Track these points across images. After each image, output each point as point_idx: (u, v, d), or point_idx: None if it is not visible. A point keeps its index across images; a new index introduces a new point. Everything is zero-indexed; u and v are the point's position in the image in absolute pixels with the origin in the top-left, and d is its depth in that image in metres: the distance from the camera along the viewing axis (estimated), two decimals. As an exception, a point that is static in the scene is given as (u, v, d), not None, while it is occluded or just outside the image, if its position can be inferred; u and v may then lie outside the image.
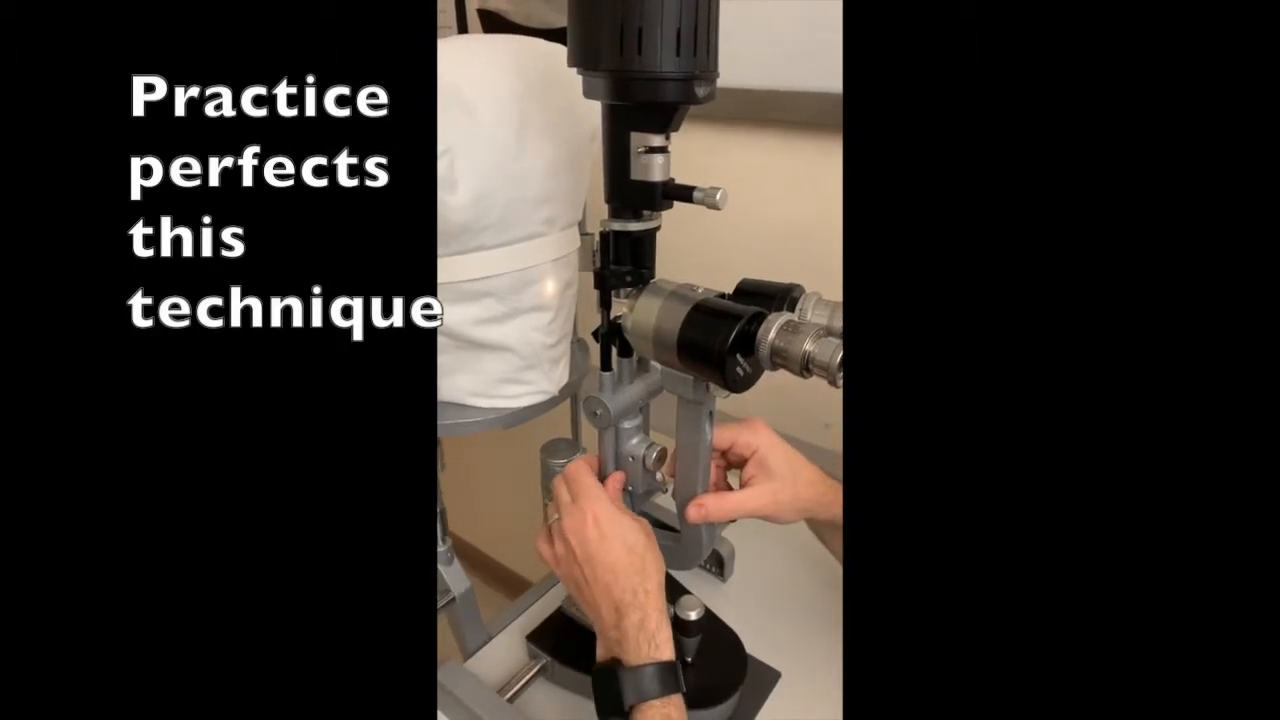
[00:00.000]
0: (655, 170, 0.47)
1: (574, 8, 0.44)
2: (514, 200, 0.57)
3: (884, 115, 0.28)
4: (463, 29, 1.20)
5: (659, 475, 0.61)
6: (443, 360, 0.61)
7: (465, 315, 0.59)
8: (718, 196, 0.46)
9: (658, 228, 0.52)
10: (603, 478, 0.59)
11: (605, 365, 0.54)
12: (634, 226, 0.50)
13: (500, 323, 0.60)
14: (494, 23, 1.11)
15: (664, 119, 0.46)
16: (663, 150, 0.47)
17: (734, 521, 0.86)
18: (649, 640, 0.49)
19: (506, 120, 0.56)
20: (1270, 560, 0.25)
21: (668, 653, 0.50)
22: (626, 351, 0.54)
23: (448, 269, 0.56)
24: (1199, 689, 0.25)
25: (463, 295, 0.58)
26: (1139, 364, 0.26)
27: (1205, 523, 0.25)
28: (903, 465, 0.28)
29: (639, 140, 0.47)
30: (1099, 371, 0.26)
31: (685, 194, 0.48)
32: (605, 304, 0.53)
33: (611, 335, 0.54)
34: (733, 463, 0.61)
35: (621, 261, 0.52)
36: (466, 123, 0.53)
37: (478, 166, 0.54)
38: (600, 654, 0.52)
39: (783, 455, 0.59)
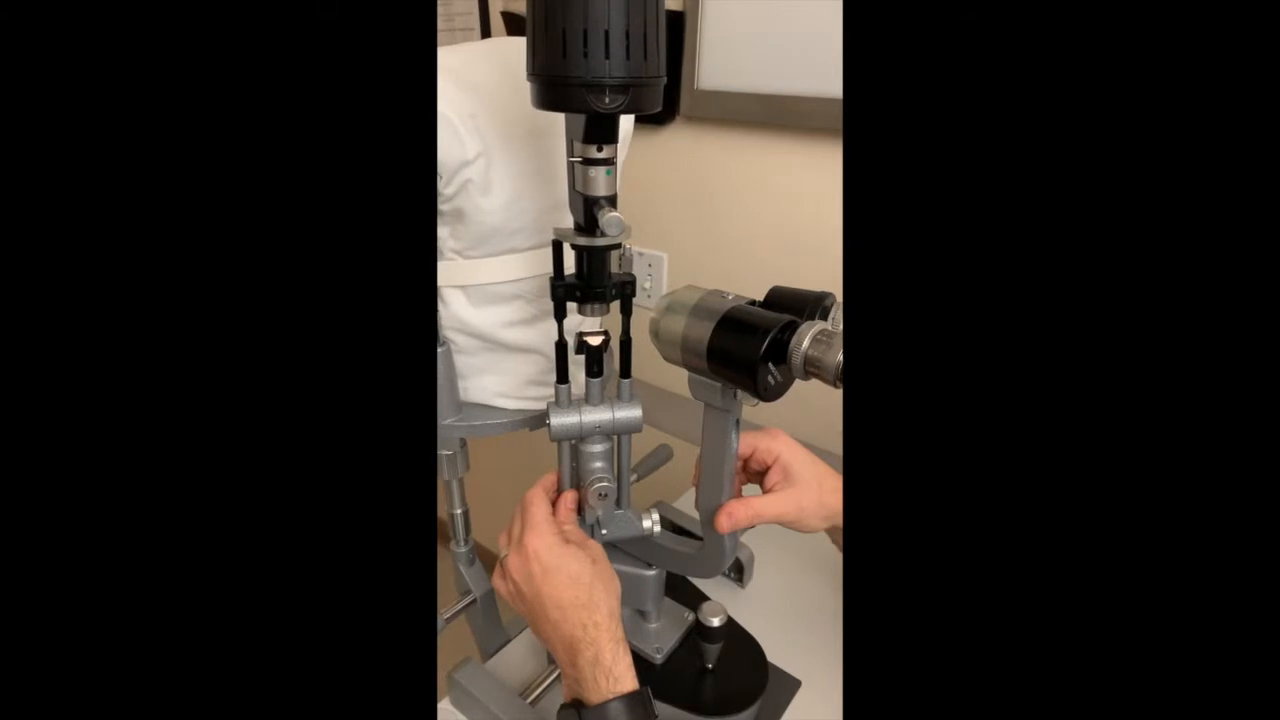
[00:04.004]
0: (592, 183, 0.45)
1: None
2: (547, 203, 0.57)
3: (884, 118, 0.28)
4: (485, 32, 1.21)
5: (644, 517, 0.60)
6: (471, 361, 0.61)
7: (495, 317, 0.59)
8: (605, 219, 0.44)
9: (613, 246, 0.49)
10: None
11: (561, 378, 0.53)
12: (577, 240, 0.48)
13: (529, 325, 0.60)
14: (518, 25, 1.11)
15: (589, 128, 0.43)
16: (599, 163, 0.45)
17: (753, 527, 0.86)
18: (606, 675, 0.47)
19: (539, 124, 0.56)
20: (1270, 560, 0.25)
21: (629, 683, 0.47)
22: (595, 372, 0.53)
23: (480, 271, 0.57)
24: (1199, 689, 0.25)
25: (493, 297, 0.58)
26: (1140, 366, 0.26)
27: (1205, 527, 0.25)
28: (903, 467, 0.28)
29: (578, 149, 0.45)
30: (1101, 373, 0.26)
31: (597, 211, 0.45)
32: (558, 316, 0.51)
33: (565, 348, 0.53)
34: (753, 471, 0.61)
35: (578, 274, 0.51)
36: (500, 127, 0.54)
37: (511, 170, 0.54)
38: (565, 694, 0.50)
39: (806, 462, 0.59)
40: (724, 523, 0.55)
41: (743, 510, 0.55)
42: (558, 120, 0.56)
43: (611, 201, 0.46)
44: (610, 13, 0.38)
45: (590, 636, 0.48)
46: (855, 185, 0.29)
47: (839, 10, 0.75)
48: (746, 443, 0.59)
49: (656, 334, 0.54)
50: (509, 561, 0.52)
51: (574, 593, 0.49)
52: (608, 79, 0.40)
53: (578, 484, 0.57)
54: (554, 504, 0.56)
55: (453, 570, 0.71)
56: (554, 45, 0.39)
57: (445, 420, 0.61)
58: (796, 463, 0.58)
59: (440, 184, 0.52)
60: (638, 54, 0.40)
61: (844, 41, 0.30)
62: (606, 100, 0.40)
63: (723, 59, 0.88)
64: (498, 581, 0.54)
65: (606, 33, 0.39)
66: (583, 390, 0.56)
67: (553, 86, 0.41)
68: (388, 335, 0.30)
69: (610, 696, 0.46)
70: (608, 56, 0.39)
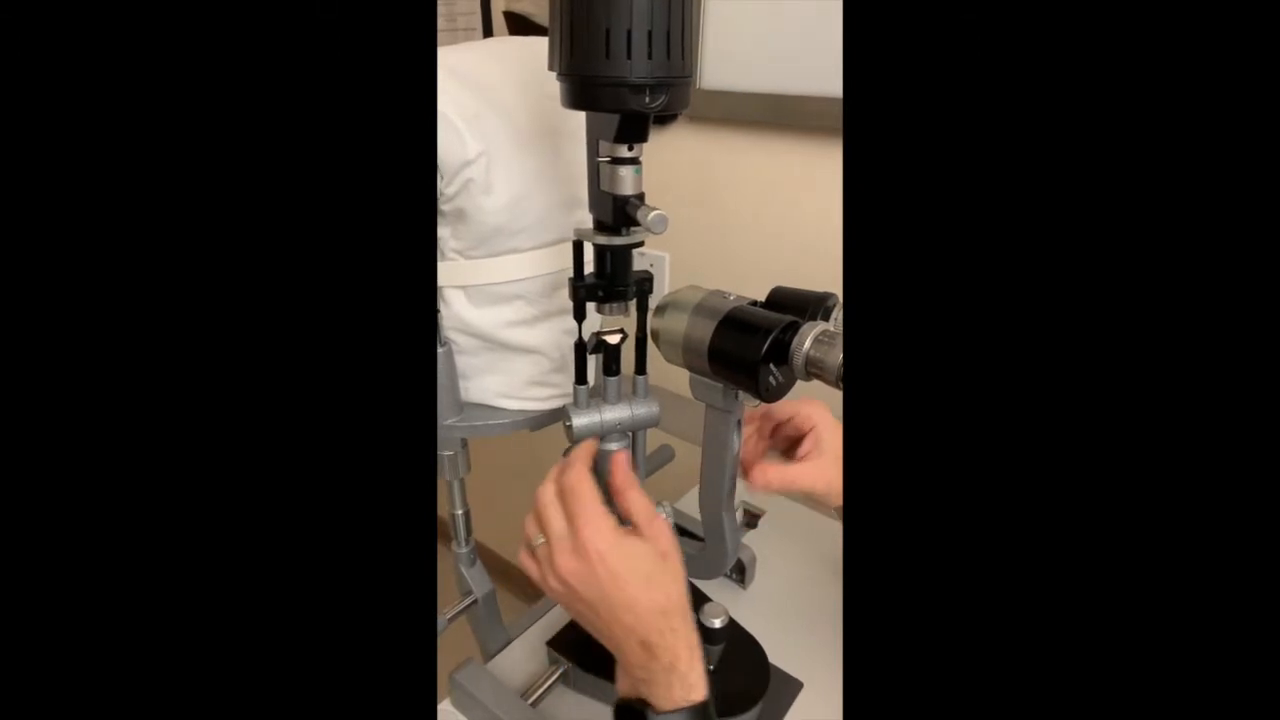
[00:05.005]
0: (620, 183, 0.45)
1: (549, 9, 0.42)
2: (549, 204, 0.57)
3: (884, 118, 0.28)
4: (488, 31, 1.21)
5: (661, 509, 0.58)
6: (472, 361, 0.61)
7: (496, 318, 0.59)
8: (650, 217, 0.44)
9: (637, 244, 0.49)
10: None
11: (580, 379, 0.53)
12: (599, 240, 0.48)
13: (530, 325, 0.60)
14: (520, 25, 1.11)
15: (623, 128, 0.43)
16: (628, 162, 0.45)
17: (754, 528, 0.86)
18: (681, 681, 0.43)
19: (542, 123, 0.56)
20: (1270, 560, 0.25)
21: (701, 691, 0.44)
22: (612, 370, 0.53)
23: (481, 271, 0.56)
24: (1199, 689, 0.25)
25: (495, 298, 0.58)
26: (1140, 366, 0.26)
27: (1204, 524, 0.25)
28: (903, 468, 0.28)
29: (605, 149, 0.45)
30: (1100, 372, 0.26)
31: (634, 211, 0.45)
32: (579, 317, 0.51)
33: (585, 348, 0.52)
34: (786, 436, 0.60)
35: (598, 274, 0.51)
36: (503, 127, 0.54)
37: (513, 170, 0.54)
38: (624, 687, 0.46)
39: (839, 436, 0.58)
40: (757, 479, 0.53)
41: (776, 474, 0.54)
42: (563, 120, 0.56)
43: (641, 199, 0.46)
44: (654, 13, 0.39)
45: (668, 642, 0.44)
46: (855, 185, 0.29)
47: (841, 9, 0.75)
48: (787, 408, 0.58)
49: (657, 334, 0.54)
50: (563, 564, 0.45)
51: (649, 596, 0.44)
52: (649, 78, 0.40)
53: (596, 484, 0.57)
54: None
55: (454, 571, 0.71)
56: (594, 45, 0.39)
57: (446, 420, 0.61)
58: (829, 436, 0.57)
59: (441, 184, 0.52)
60: (676, 53, 0.41)
61: (844, 41, 0.30)
62: (647, 99, 0.41)
63: (725, 59, 0.87)
64: (528, 563, 0.47)
65: (649, 33, 0.39)
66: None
67: (589, 86, 0.41)
68: (387, 335, 0.30)
69: (685, 705, 0.43)
70: (650, 56, 0.40)
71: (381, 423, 0.30)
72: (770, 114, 0.85)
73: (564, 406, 0.54)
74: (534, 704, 0.62)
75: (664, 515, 0.59)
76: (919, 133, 0.28)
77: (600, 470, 0.56)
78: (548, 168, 0.56)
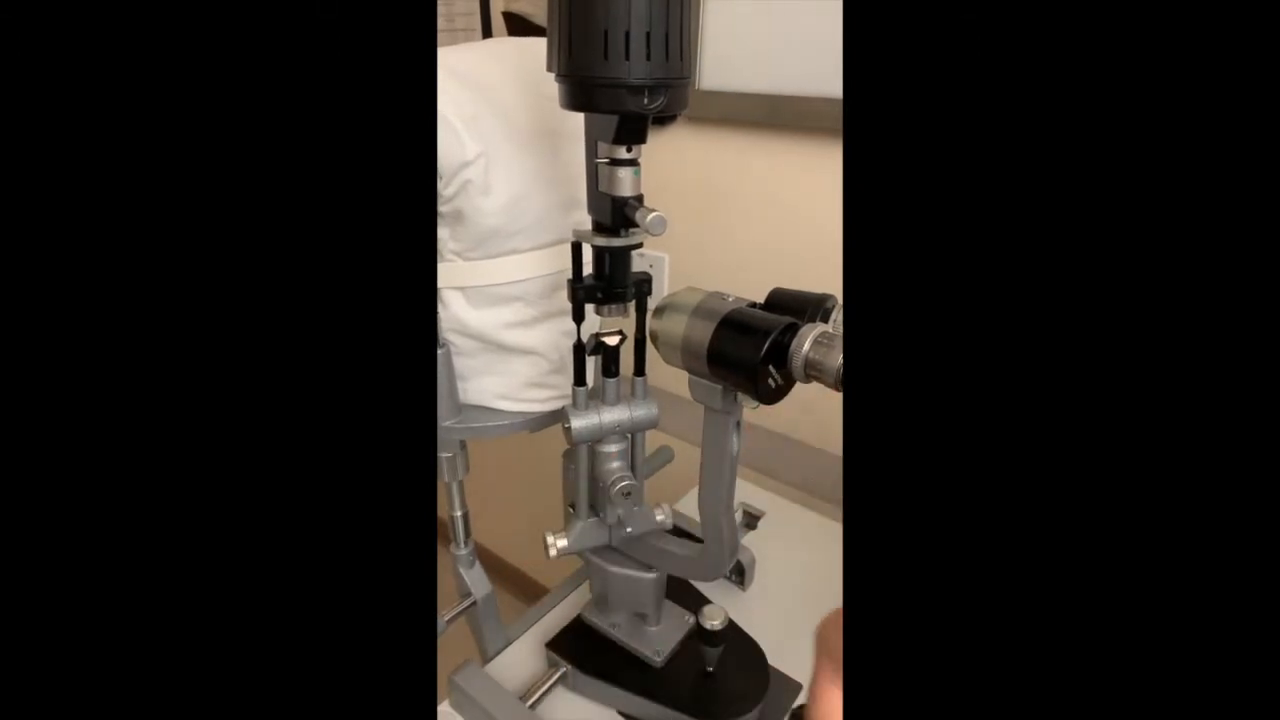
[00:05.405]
0: (619, 184, 0.45)
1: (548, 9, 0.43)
2: (548, 204, 0.57)
3: (884, 119, 0.28)
4: (487, 32, 1.21)
5: (657, 511, 0.59)
6: (471, 363, 0.61)
7: (495, 319, 0.59)
8: (649, 219, 0.44)
9: (636, 245, 0.49)
10: None
11: (579, 380, 0.53)
12: (598, 241, 0.48)
13: (529, 327, 0.60)
14: (519, 25, 1.11)
15: (621, 129, 0.43)
16: (627, 163, 0.45)
17: (754, 529, 0.86)
18: None
19: (540, 124, 0.56)
20: (1270, 560, 0.25)
21: None
22: (611, 372, 0.53)
23: (480, 272, 0.56)
24: (1199, 688, 0.25)
25: (493, 299, 0.58)
26: (1142, 369, 0.26)
27: (1203, 525, 0.25)
28: (903, 471, 0.28)
29: (604, 150, 0.45)
30: (1101, 376, 0.26)
31: (633, 212, 0.45)
32: (577, 318, 0.51)
33: (584, 350, 0.52)
34: None
35: (597, 276, 0.51)
36: (501, 127, 0.53)
37: (512, 171, 0.54)
38: None
39: None
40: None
41: None
42: (562, 121, 0.56)
43: (640, 200, 0.46)
44: (651, 14, 0.39)
45: None
46: (855, 186, 0.29)
47: (840, 10, 0.75)
48: None
49: (656, 336, 0.54)
50: None
51: None
52: (648, 80, 0.40)
53: (594, 486, 0.57)
54: None
55: (453, 572, 0.71)
56: (593, 46, 0.39)
57: (445, 422, 0.61)
58: None
59: (439, 185, 0.52)
60: (675, 55, 0.41)
61: (844, 41, 0.30)
62: (645, 100, 0.41)
63: (724, 59, 0.87)
64: None
65: (647, 34, 0.39)
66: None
67: (588, 87, 0.41)
68: (387, 337, 0.30)
69: None
70: (648, 57, 0.40)
71: (381, 425, 0.30)
72: (769, 115, 0.85)
73: (563, 408, 0.54)
74: (533, 706, 0.62)
75: (663, 516, 0.59)
76: (919, 134, 0.28)
77: (598, 473, 0.56)
78: (546, 168, 0.56)
